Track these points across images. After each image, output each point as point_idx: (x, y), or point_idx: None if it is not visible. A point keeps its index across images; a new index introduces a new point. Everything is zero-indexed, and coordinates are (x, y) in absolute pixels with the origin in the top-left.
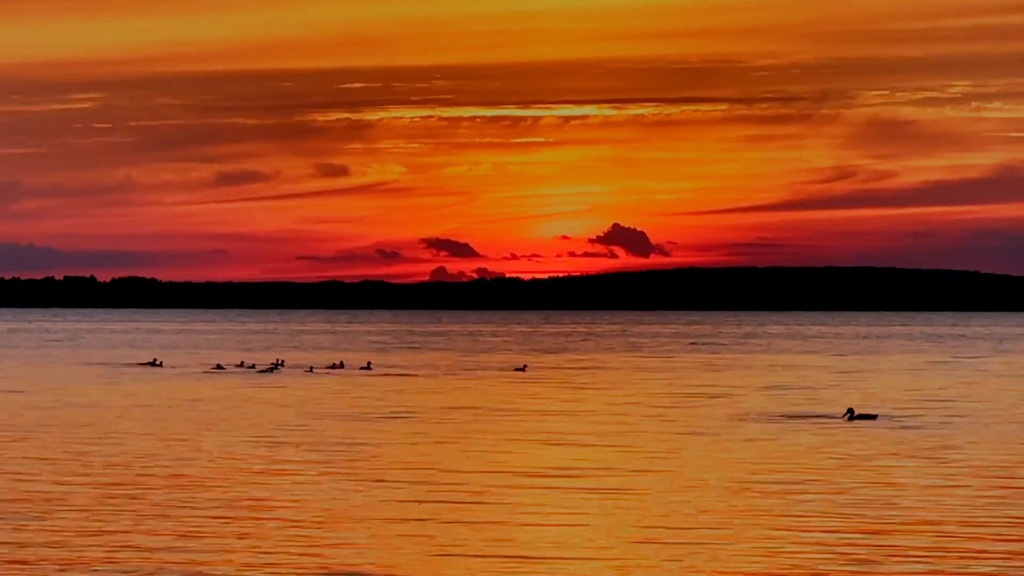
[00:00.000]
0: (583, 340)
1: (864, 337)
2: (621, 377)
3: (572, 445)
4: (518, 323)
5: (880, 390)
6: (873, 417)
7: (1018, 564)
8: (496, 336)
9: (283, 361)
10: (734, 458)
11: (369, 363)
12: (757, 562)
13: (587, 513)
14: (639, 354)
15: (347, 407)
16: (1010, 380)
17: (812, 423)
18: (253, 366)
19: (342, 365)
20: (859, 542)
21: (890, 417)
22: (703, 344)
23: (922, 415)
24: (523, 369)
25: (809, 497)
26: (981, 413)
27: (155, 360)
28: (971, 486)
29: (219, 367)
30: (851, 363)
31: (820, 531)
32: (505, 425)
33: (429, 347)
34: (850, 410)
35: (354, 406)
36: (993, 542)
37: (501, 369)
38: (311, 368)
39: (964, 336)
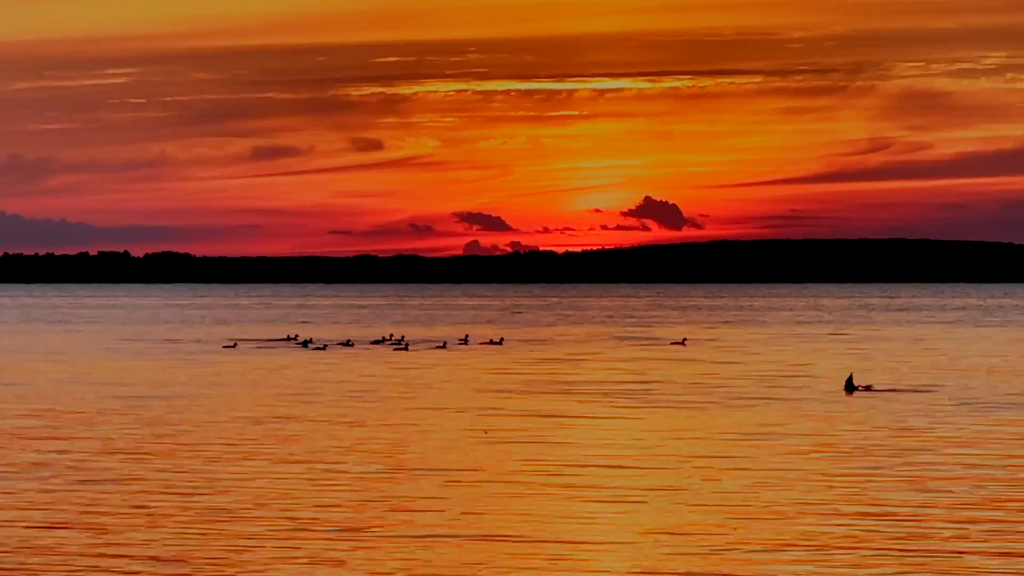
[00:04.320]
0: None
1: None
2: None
3: None
4: (600, 296)
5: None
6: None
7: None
8: (607, 309)
9: (404, 337)
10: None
11: (502, 339)
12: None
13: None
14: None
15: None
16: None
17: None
18: (383, 340)
19: (468, 339)
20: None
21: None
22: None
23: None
24: (682, 343)
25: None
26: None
27: (291, 336)
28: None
29: (349, 343)
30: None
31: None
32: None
33: (540, 322)
34: (849, 380)
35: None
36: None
37: (658, 341)
38: (444, 344)
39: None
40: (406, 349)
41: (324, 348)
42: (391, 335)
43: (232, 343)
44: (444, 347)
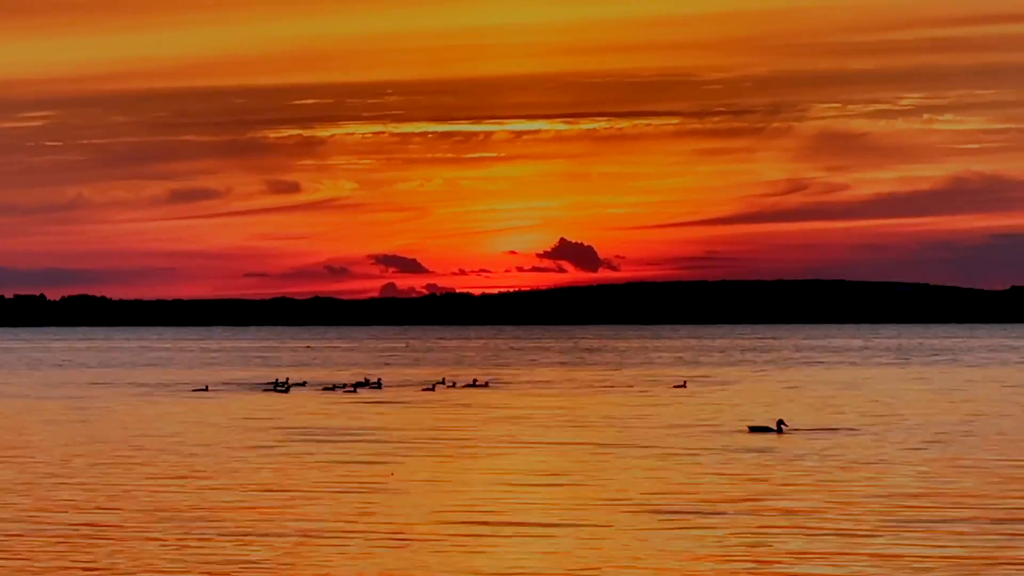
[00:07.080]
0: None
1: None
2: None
3: None
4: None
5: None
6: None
7: None
8: (597, 352)
9: (380, 379)
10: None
11: (475, 380)
12: None
13: None
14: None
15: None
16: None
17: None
18: (367, 381)
19: (445, 382)
20: None
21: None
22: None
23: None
24: (683, 385)
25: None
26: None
27: (280, 380)
28: None
29: (333, 388)
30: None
31: None
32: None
33: (518, 363)
34: (780, 421)
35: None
36: None
37: (661, 384)
38: (434, 386)
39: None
40: (353, 389)
41: (287, 390)
42: (366, 378)
43: (204, 387)
44: (433, 389)
